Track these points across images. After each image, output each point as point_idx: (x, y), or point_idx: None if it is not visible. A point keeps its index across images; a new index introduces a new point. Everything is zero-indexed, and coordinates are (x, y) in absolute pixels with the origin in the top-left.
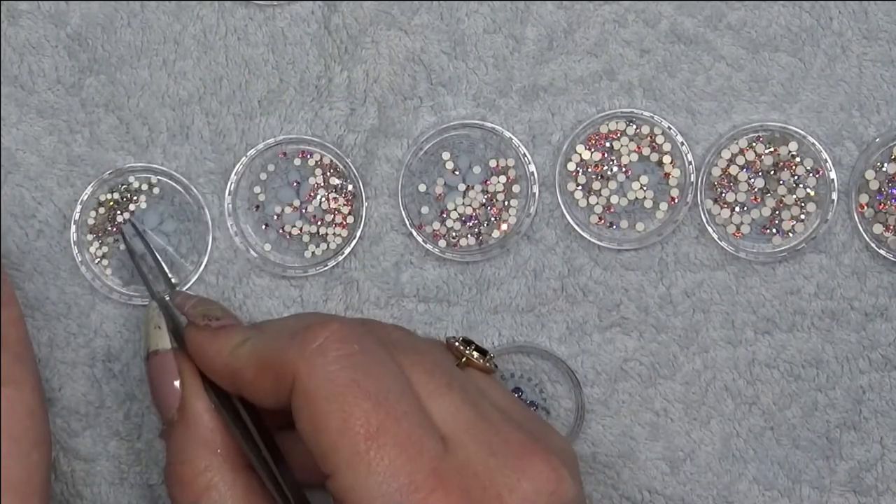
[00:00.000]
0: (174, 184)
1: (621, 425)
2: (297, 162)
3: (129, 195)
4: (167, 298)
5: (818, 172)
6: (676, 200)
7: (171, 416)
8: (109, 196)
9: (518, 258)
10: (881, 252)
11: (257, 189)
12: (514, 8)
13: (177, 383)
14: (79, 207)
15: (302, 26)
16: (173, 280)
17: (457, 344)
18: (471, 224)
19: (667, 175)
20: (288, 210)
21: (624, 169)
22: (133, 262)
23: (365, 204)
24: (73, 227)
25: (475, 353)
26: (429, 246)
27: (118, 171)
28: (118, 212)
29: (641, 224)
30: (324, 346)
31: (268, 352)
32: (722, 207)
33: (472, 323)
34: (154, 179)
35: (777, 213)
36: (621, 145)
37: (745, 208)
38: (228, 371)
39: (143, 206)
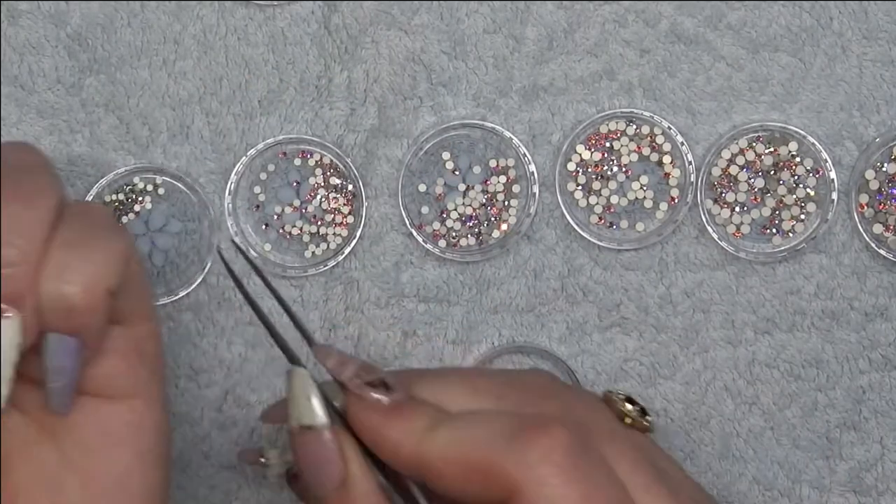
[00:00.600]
0: (181, 185)
1: None
2: (297, 162)
3: (133, 196)
4: (312, 356)
5: (818, 172)
6: (676, 200)
7: (327, 494)
8: (114, 197)
9: (518, 258)
10: (881, 252)
11: (257, 189)
12: (514, 8)
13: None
14: None
15: (302, 26)
16: (311, 335)
17: (623, 405)
18: (471, 224)
19: (667, 175)
20: (288, 210)
21: (624, 169)
22: (266, 321)
23: (365, 204)
24: None
25: (642, 416)
26: (429, 246)
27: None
28: (123, 213)
29: (641, 224)
30: (550, 458)
31: (476, 452)
32: (722, 207)
33: (472, 323)
34: (159, 180)
35: (777, 213)
36: (621, 145)
37: (745, 208)
38: (415, 461)
39: (148, 206)
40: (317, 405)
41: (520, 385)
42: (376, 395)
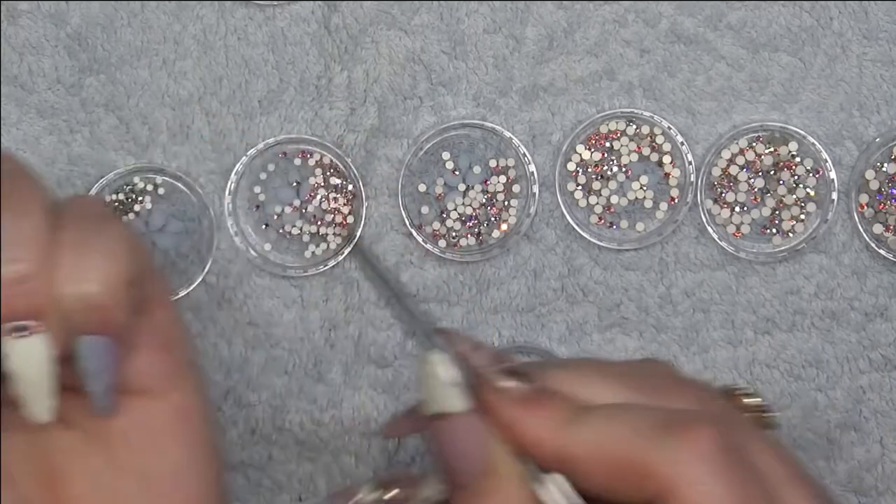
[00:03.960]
0: (181, 185)
1: None
2: (297, 162)
3: (133, 196)
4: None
5: (818, 172)
6: (676, 200)
7: (468, 482)
8: (114, 197)
9: (518, 258)
10: (881, 252)
11: (257, 189)
12: (514, 8)
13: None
14: None
15: (302, 26)
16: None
17: (746, 400)
18: (471, 224)
19: (667, 175)
20: (288, 210)
21: (624, 169)
22: (397, 303)
23: (365, 204)
24: None
25: (766, 413)
26: (429, 246)
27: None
28: (123, 213)
29: (641, 224)
30: (704, 456)
31: (623, 448)
32: (722, 207)
33: (472, 323)
34: (159, 180)
35: (777, 213)
36: (621, 145)
37: (745, 208)
38: (559, 455)
39: (148, 206)
40: (457, 391)
41: (650, 376)
42: (516, 384)
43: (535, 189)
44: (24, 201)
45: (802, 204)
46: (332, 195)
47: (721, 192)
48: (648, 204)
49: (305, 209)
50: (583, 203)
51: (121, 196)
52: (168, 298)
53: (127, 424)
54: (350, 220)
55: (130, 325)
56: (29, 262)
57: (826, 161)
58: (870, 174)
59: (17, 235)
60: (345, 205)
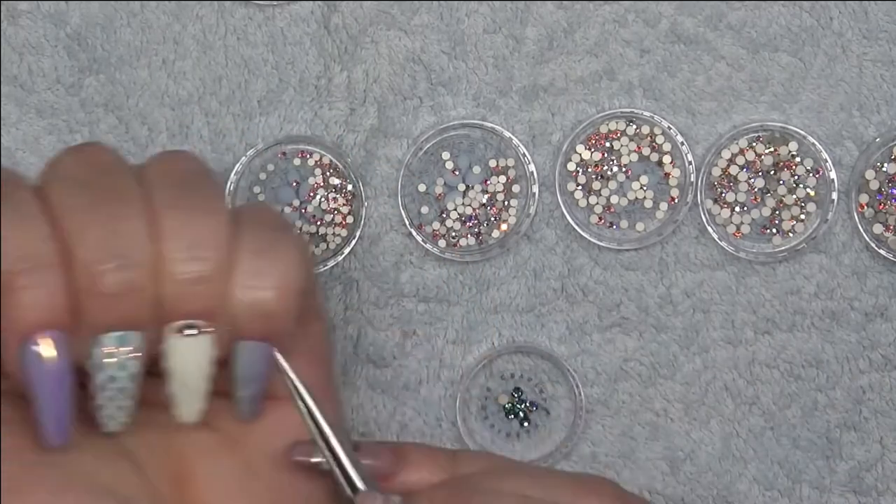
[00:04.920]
0: None
1: (621, 425)
2: (297, 162)
3: None
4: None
5: (818, 172)
6: (676, 200)
7: None
8: None
9: (518, 258)
10: (881, 252)
11: (257, 189)
12: (514, 8)
13: None
14: None
15: (302, 26)
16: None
17: None
18: (471, 224)
19: (667, 175)
20: (287, 210)
21: (624, 169)
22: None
23: (365, 204)
24: None
25: None
26: (429, 246)
27: None
28: None
29: (641, 224)
30: None
31: None
32: (722, 207)
33: (472, 323)
34: None
35: (777, 213)
36: (621, 145)
37: (745, 208)
38: None
39: None
40: None
41: (587, 493)
42: None
43: (535, 189)
44: (211, 201)
45: (802, 204)
46: (331, 195)
47: (721, 192)
48: (648, 204)
49: (305, 209)
50: (583, 203)
51: None
52: (324, 311)
53: (262, 428)
54: (350, 220)
55: (293, 335)
56: (210, 262)
57: (826, 161)
58: (870, 174)
59: (202, 235)
60: (344, 205)
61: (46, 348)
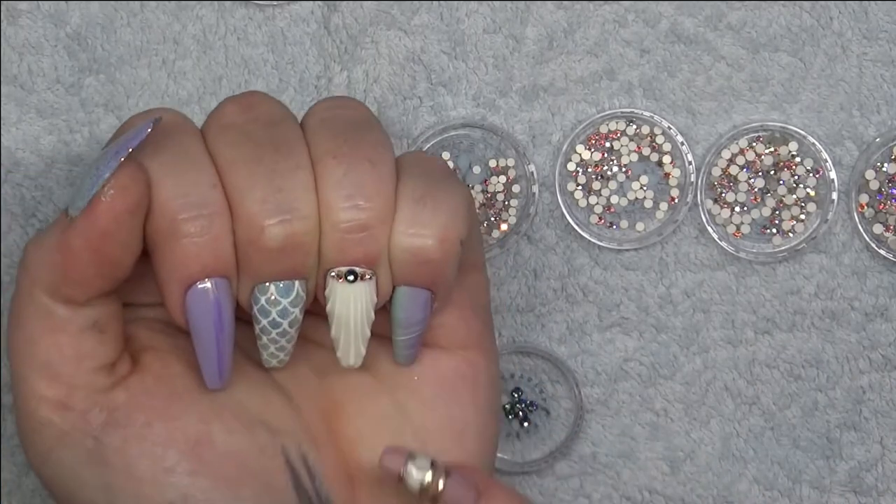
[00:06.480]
0: None
1: (621, 425)
2: None
3: None
4: None
5: (818, 172)
6: (676, 200)
7: None
8: None
9: (518, 258)
10: (881, 252)
11: None
12: (514, 8)
13: None
14: None
15: (302, 26)
16: None
17: None
18: None
19: (667, 175)
20: None
21: (624, 169)
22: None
23: None
24: None
25: None
26: None
27: None
28: None
29: (641, 224)
30: None
31: None
32: (722, 207)
33: None
34: None
35: (777, 213)
36: (621, 145)
37: (745, 208)
38: None
39: None
40: None
41: None
42: None
43: (535, 189)
44: (375, 149)
45: (802, 204)
46: None
47: (721, 192)
48: (648, 204)
49: None
50: (583, 203)
51: None
52: (484, 262)
53: (418, 374)
54: None
55: (454, 283)
56: (373, 211)
57: (826, 161)
58: (870, 174)
59: (364, 183)
60: None
61: (210, 295)
